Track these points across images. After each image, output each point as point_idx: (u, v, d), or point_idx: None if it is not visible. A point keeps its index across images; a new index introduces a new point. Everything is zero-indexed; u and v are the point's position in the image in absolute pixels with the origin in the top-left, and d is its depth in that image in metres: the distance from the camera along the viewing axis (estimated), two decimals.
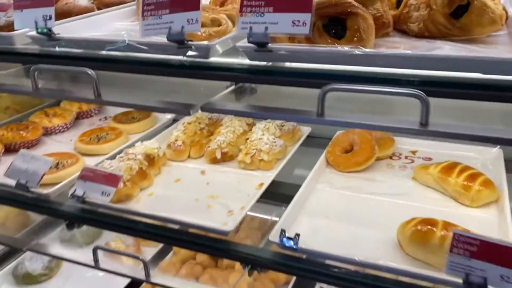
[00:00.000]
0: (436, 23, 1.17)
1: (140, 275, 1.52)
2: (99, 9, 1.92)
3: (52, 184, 1.67)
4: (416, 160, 1.77)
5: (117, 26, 1.62)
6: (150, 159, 1.72)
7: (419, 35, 1.22)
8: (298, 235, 1.25)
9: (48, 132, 2.14)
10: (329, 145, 1.79)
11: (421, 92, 0.83)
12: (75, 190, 1.53)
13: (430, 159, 1.76)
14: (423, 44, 1.15)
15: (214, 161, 1.81)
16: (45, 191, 1.61)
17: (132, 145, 1.90)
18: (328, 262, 1.26)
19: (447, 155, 1.71)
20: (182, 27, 1.11)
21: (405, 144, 1.86)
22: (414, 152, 1.82)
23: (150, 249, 2.17)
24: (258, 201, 1.58)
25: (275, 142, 1.79)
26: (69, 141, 2.08)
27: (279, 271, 1.38)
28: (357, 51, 0.94)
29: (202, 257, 2.08)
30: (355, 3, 1.06)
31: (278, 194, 1.66)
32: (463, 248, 1.08)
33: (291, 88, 1.10)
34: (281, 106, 1.04)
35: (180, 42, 1.11)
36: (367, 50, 0.96)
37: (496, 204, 1.47)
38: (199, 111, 1.08)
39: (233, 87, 1.18)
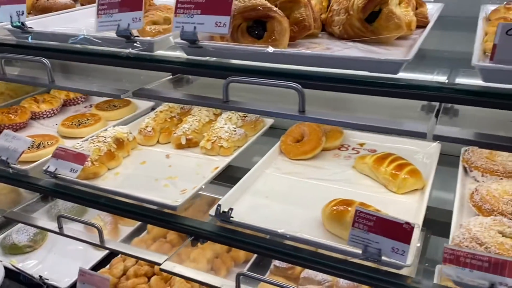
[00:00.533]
0: (352, 27, 1.33)
1: (95, 241, 1.72)
2: (82, 5, 2.12)
3: (32, 161, 1.88)
4: (362, 152, 1.93)
5: (91, 22, 1.80)
6: (119, 142, 1.91)
7: (340, 37, 1.38)
8: (231, 209, 1.43)
9: (36, 117, 2.35)
10: (283, 135, 1.96)
11: (297, 85, 1.00)
12: (48, 166, 1.73)
13: (374, 151, 1.91)
14: (337, 44, 1.32)
15: (180, 146, 1.99)
16: (24, 167, 1.82)
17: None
18: (258, 234, 1.43)
19: (390, 148, 1.86)
20: (128, 24, 1.29)
21: (355, 137, 2.02)
22: (361, 145, 1.98)
23: (127, 228, 2.38)
24: (214, 183, 1.76)
25: (235, 131, 1.97)
26: (54, 125, 2.28)
27: (217, 242, 1.55)
28: (258, 50, 1.12)
29: (172, 236, 2.28)
30: (274, 9, 1.23)
31: (232, 177, 1.83)
32: (362, 223, 1.24)
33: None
34: (207, 94, 1.22)
35: (127, 37, 1.30)
36: (263, 49, 1.13)
37: (421, 192, 1.62)
38: (131, 95, 1.26)
39: (170, 77, 1.36)
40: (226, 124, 2.01)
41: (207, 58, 1.24)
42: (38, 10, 1.90)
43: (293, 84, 1.02)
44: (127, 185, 1.73)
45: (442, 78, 1.15)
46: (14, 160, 1.78)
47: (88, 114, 2.28)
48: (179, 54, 1.29)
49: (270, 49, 1.13)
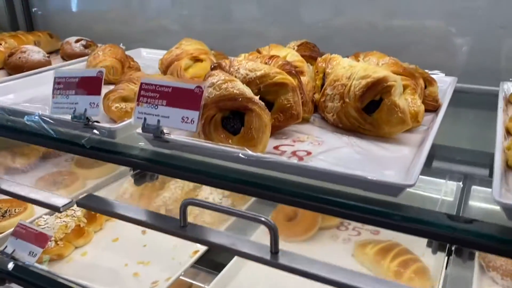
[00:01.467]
0: (348, 116, 1.13)
1: None
2: (63, 59, 1.97)
3: None
4: (363, 233, 1.71)
5: None
6: (91, 215, 1.72)
7: (335, 125, 1.18)
8: None
9: (10, 172, 2.17)
10: (274, 209, 1.75)
11: (269, 220, 0.80)
12: (5, 247, 1.53)
13: (378, 232, 1.70)
14: (330, 137, 1.12)
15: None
16: None
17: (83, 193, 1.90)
18: None
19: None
20: (85, 109, 1.11)
21: None
22: None
23: None
24: (192, 266, 1.55)
25: (221, 202, 1.77)
26: (30, 183, 2.09)
27: None
28: (228, 152, 0.92)
29: None
30: (255, 99, 1.04)
31: (214, 262, 1.63)
32: None
33: None
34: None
35: (83, 122, 1.11)
36: (235, 151, 0.93)
37: None
38: (74, 205, 1.07)
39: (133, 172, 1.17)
40: (211, 193, 1.81)
41: (176, 152, 1.05)
42: (10, 67, 1.74)
43: (263, 219, 0.82)
44: (92, 272, 1.53)
45: (450, 198, 0.95)
46: None
47: (65, 172, 2.10)
48: (145, 145, 1.10)
49: (241, 154, 0.93)
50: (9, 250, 1.52)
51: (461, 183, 1.04)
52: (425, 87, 1.32)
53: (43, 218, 1.70)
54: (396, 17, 1.69)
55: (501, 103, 1.22)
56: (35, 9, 2.49)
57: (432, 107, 1.26)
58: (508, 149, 0.96)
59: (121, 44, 2.07)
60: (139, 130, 1.06)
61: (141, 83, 1.04)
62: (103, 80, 1.09)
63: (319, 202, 0.86)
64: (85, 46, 1.95)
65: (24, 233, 1.53)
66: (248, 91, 1.07)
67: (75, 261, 1.59)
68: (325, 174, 0.89)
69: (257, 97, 1.06)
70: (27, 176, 2.17)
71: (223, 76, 1.10)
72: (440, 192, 1.01)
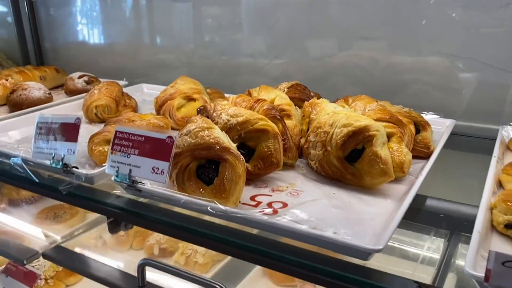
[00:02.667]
0: (330, 165, 1.09)
1: None
2: (66, 94, 2.00)
3: None
4: None
5: None
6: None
7: (318, 172, 1.14)
8: None
9: (15, 204, 2.19)
10: None
11: (222, 286, 0.76)
12: None
13: None
14: (309, 188, 1.08)
15: (153, 256, 1.77)
16: None
17: (84, 227, 1.90)
18: None
19: None
20: (63, 156, 1.10)
21: None
22: None
23: None
24: None
25: None
26: (31, 215, 2.11)
27: None
28: (198, 205, 0.90)
29: None
30: (229, 147, 1.01)
31: None
32: None
33: None
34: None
35: (63, 166, 1.11)
36: (204, 204, 0.90)
37: None
38: (40, 257, 1.06)
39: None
40: None
41: (153, 202, 1.03)
42: (11, 104, 1.78)
43: (217, 286, 0.78)
44: None
45: (435, 255, 0.89)
46: None
47: (66, 206, 2.11)
48: (121, 193, 1.08)
49: (210, 208, 0.90)
50: None
51: (446, 240, 0.98)
52: (419, 131, 1.27)
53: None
54: (397, 54, 1.65)
55: (496, 151, 1.16)
56: (51, 41, 2.56)
57: (423, 154, 1.21)
58: (493, 208, 0.90)
59: (124, 79, 2.11)
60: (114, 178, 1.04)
61: (116, 131, 1.03)
62: (80, 127, 1.09)
63: (282, 262, 0.82)
64: (87, 82, 1.98)
65: (14, 271, 1.53)
66: (225, 139, 1.04)
67: None
68: (292, 233, 0.85)
69: (234, 146, 1.04)
70: (30, 208, 2.20)
71: (201, 123, 1.08)
72: (423, 248, 0.95)
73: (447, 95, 1.56)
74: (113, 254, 1.80)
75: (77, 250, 1.67)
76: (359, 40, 1.70)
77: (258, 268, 1.65)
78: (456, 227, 1.01)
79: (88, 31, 2.44)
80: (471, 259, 0.72)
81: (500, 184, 1.04)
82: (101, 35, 2.42)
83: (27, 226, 2.00)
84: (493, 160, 1.10)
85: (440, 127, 1.38)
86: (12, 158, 1.23)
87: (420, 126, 1.27)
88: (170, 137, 0.97)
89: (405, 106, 1.36)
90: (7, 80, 1.96)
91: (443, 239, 0.99)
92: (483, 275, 0.66)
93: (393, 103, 1.37)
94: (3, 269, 1.55)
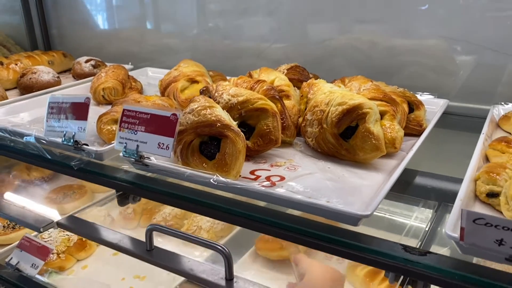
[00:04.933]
0: (326, 142, 1.15)
1: None
2: (74, 78, 2.06)
3: (3, 245, 1.78)
4: None
5: None
6: None
7: (314, 149, 1.21)
8: None
9: (26, 184, 2.27)
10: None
11: (223, 248, 0.83)
12: (11, 258, 1.62)
13: None
14: (305, 163, 1.14)
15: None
16: None
17: (92, 205, 1.98)
18: None
19: None
20: (74, 133, 1.17)
21: None
22: None
23: None
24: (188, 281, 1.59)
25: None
26: (41, 196, 2.19)
27: None
28: (201, 177, 0.97)
29: None
30: (230, 125, 1.07)
31: None
32: None
33: None
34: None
35: (74, 144, 1.18)
36: (207, 177, 0.97)
37: None
38: (56, 227, 1.13)
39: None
40: None
41: (159, 176, 1.10)
42: (21, 87, 1.84)
43: (219, 247, 0.85)
44: (90, 285, 1.59)
45: (422, 225, 0.95)
46: None
47: (75, 186, 2.18)
48: (129, 168, 1.15)
49: (212, 180, 0.97)
50: (13, 261, 1.60)
51: (434, 210, 1.04)
52: (412, 110, 1.32)
53: (48, 231, 1.78)
54: (396, 37, 1.69)
55: (485, 128, 1.21)
56: (58, 26, 2.62)
57: (416, 131, 1.27)
58: (477, 179, 0.96)
59: (130, 63, 2.17)
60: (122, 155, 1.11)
61: (123, 110, 1.10)
62: (89, 106, 1.15)
63: (280, 229, 0.89)
64: (94, 66, 2.04)
65: (28, 246, 1.61)
66: (226, 117, 1.11)
67: (76, 274, 1.65)
68: (287, 202, 0.91)
69: (234, 124, 1.10)
70: (41, 189, 2.28)
71: (204, 102, 1.14)
72: (411, 218, 1.01)
73: (443, 76, 1.61)
74: (121, 232, 1.87)
75: None
76: (358, 24, 1.75)
77: (250, 251, 1.71)
78: (444, 198, 1.07)
79: (94, 17, 2.49)
80: (451, 222, 0.78)
81: (487, 159, 1.10)
82: (107, 20, 2.47)
83: (37, 206, 2.08)
84: (481, 137, 1.15)
85: (434, 107, 1.43)
86: (25, 137, 1.30)
87: (414, 105, 1.33)
88: (174, 114, 1.04)
89: (401, 87, 1.41)
90: (16, 64, 2.02)
91: (431, 210, 1.05)
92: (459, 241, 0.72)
93: (390, 84, 1.42)
94: (18, 244, 1.64)
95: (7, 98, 1.73)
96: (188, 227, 1.78)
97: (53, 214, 1.62)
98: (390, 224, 1.14)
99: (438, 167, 1.23)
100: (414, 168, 1.17)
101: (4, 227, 1.82)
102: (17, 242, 1.76)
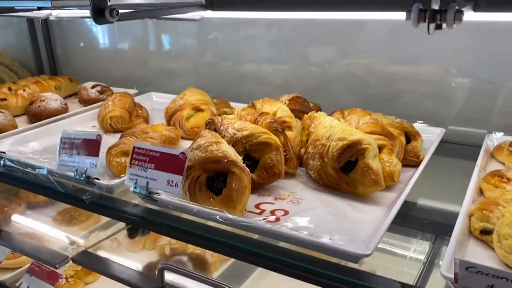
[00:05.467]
0: (327, 175, 1.20)
1: None
2: (80, 103, 2.12)
3: (13, 268, 1.83)
4: None
5: (78, 129, 1.77)
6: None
7: (316, 181, 1.26)
8: None
9: (32, 206, 2.32)
10: None
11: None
12: (21, 283, 1.66)
13: None
14: (309, 197, 1.19)
15: (164, 256, 1.89)
16: (1, 277, 1.76)
17: (99, 228, 2.03)
18: None
19: None
20: (86, 169, 1.22)
21: None
22: None
23: None
24: None
25: None
26: (49, 217, 2.24)
27: None
28: (208, 213, 1.02)
29: None
30: (236, 161, 1.12)
31: None
32: None
33: None
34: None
35: (86, 178, 1.23)
36: (214, 213, 1.03)
37: None
38: (70, 262, 1.18)
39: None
40: None
41: (168, 210, 1.15)
42: (30, 115, 1.90)
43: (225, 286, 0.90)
44: None
45: (421, 256, 1.00)
46: None
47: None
48: (139, 202, 1.20)
49: (219, 216, 1.02)
50: (23, 286, 1.64)
51: (432, 242, 1.09)
52: (409, 141, 1.38)
53: None
54: (393, 63, 1.74)
55: (479, 160, 1.26)
56: (64, 49, 2.68)
57: (413, 162, 1.32)
58: (471, 215, 1.01)
59: (135, 87, 2.22)
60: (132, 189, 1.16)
61: (133, 147, 1.15)
62: (100, 143, 1.20)
63: (281, 264, 0.94)
64: (100, 92, 2.10)
65: (38, 271, 1.65)
66: (232, 153, 1.16)
67: None
68: (291, 239, 0.96)
69: (240, 159, 1.15)
70: (47, 210, 2.32)
71: (210, 138, 1.19)
72: (410, 250, 1.06)
73: (439, 103, 1.66)
74: (127, 255, 1.92)
75: (97, 253, 1.80)
76: (356, 51, 1.81)
77: (259, 269, 1.76)
78: (441, 231, 1.12)
79: (99, 40, 2.55)
80: (447, 262, 0.83)
81: (481, 192, 1.15)
82: (111, 43, 2.53)
83: (45, 228, 2.12)
84: (476, 169, 1.20)
85: (430, 135, 1.48)
86: (37, 169, 1.35)
87: (411, 136, 1.38)
88: (183, 153, 1.09)
89: (399, 115, 1.47)
90: (24, 90, 2.08)
91: (429, 242, 1.10)
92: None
93: (388, 112, 1.48)
94: (27, 269, 1.68)
95: (17, 127, 1.78)
96: (194, 249, 1.82)
97: (61, 242, 1.66)
98: (390, 256, 1.19)
99: (435, 196, 1.28)
100: (413, 197, 1.22)
101: (12, 251, 1.86)
102: (27, 265, 1.81)
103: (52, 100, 1.90)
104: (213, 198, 1.11)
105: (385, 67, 1.76)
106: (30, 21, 2.58)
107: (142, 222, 1.16)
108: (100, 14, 1.01)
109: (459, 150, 1.53)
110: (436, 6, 0.67)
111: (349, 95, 1.81)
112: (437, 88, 1.66)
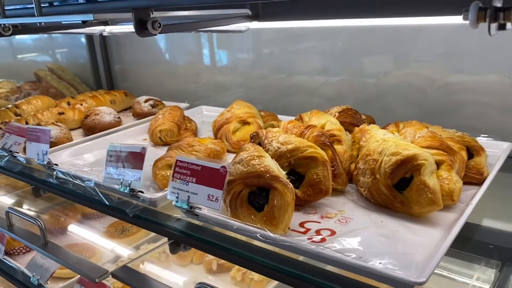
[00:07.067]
0: (379, 193, 1.12)
1: None
2: (134, 116, 2.16)
3: (66, 278, 1.87)
4: None
5: (130, 142, 1.80)
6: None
7: (367, 199, 1.17)
8: None
9: (86, 217, 2.39)
10: None
11: None
12: None
13: None
14: (358, 215, 1.11)
15: (210, 271, 1.86)
16: (54, 286, 1.81)
17: (149, 241, 2.04)
18: None
19: None
20: (130, 182, 1.22)
21: None
22: None
23: None
24: None
25: None
26: (101, 228, 2.29)
27: None
28: (248, 231, 0.98)
29: None
30: (279, 176, 1.07)
31: None
32: None
33: None
34: None
35: (130, 191, 1.22)
36: (254, 231, 0.98)
37: None
38: (109, 276, 1.16)
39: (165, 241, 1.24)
40: None
41: (209, 226, 1.11)
42: (85, 128, 1.95)
43: None
44: None
45: (485, 286, 0.89)
46: (44, 280, 1.78)
47: None
48: (181, 216, 1.18)
49: (259, 235, 0.97)
50: None
51: (498, 270, 0.97)
52: (472, 156, 1.26)
53: (105, 265, 1.84)
54: (453, 72, 1.62)
55: None
56: (121, 65, 2.77)
57: (476, 180, 1.20)
58: None
59: (186, 101, 2.24)
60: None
61: (176, 160, 1.13)
62: (145, 156, 1.20)
63: None
64: (153, 106, 2.13)
65: (87, 282, 1.67)
66: (275, 167, 1.11)
67: None
68: (337, 262, 0.89)
69: (283, 174, 1.09)
70: (100, 221, 2.38)
71: (253, 152, 1.15)
72: (472, 278, 0.95)
73: (505, 115, 1.52)
74: (175, 268, 1.91)
75: (143, 265, 1.80)
76: (413, 60, 1.70)
77: None
78: (508, 258, 0.99)
79: (154, 55, 2.61)
80: None
81: None
82: (165, 58, 2.58)
83: (98, 239, 2.17)
84: None
85: (497, 150, 1.35)
86: (86, 182, 1.37)
87: (474, 151, 1.26)
88: (223, 167, 1.05)
89: (460, 129, 1.35)
90: (81, 104, 2.16)
91: (494, 270, 0.98)
92: None
93: (448, 125, 1.36)
94: (78, 280, 1.71)
95: (72, 139, 1.83)
96: (240, 267, 1.77)
97: (110, 254, 1.68)
98: (450, 284, 1.07)
99: (502, 218, 1.15)
100: (476, 219, 1.11)
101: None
102: (78, 276, 1.85)
103: (106, 114, 1.95)
104: (254, 214, 1.06)
105: (445, 77, 1.64)
106: (89, 38, 2.70)
107: (183, 237, 1.13)
108: (142, 26, 1.00)
109: None
110: (498, 4, 0.59)
111: (405, 107, 1.70)
112: (503, 98, 1.52)
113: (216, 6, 1.11)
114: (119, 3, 0.98)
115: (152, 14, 1.02)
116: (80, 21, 1.11)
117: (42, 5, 1.19)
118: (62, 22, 1.37)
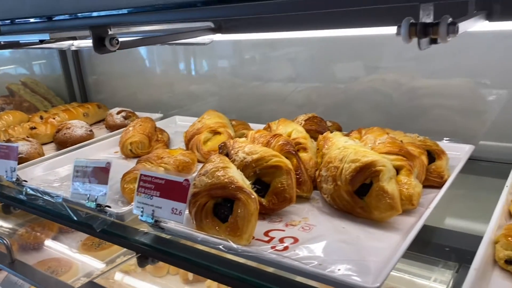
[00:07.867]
0: (341, 199, 1.14)
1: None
2: (107, 128, 2.15)
3: None
4: None
5: (101, 156, 1.80)
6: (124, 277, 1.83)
7: (331, 206, 1.19)
8: None
9: (63, 231, 2.37)
10: None
11: None
12: None
13: None
14: (320, 222, 1.13)
15: (187, 281, 1.86)
16: None
17: (125, 253, 2.03)
18: None
19: None
20: (96, 197, 1.22)
21: None
22: None
23: None
24: None
25: None
26: (78, 241, 2.27)
27: None
28: (213, 242, 0.99)
29: None
30: (243, 186, 1.08)
31: None
32: None
33: None
34: None
35: (97, 206, 1.23)
36: (218, 242, 0.99)
37: None
38: None
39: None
40: None
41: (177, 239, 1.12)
42: (57, 142, 1.95)
43: None
44: None
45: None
46: None
47: None
48: (148, 230, 1.18)
49: (223, 245, 0.98)
50: None
51: (455, 271, 1.00)
52: (434, 160, 1.29)
53: (81, 280, 1.83)
54: (418, 77, 1.66)
55: (509, 180, 1.16)
56: (94, 77, 2.76)
57: (437, 183, 1.23)
58: (496, 242, 0.92)
59: (159, 111, 2.24)
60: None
61: (140, 175, 1.14)
62: (109, 171, 1.20)
63: None
64: (125, 117, 2.13)
65: None
66: (240, 178, 1.12)
67: None
68: (297, 271, 0.90)
69: (247, 184, 1.11)
70: (75, 236, 2.36)
71: (218, 163, 1.16)
72: (429, 280, 0.98)
73: (469, 118, 1.56)
74: (152, 279, 1.91)
75: (119, 278, 1.80)
76: (379, 67, 1.74)
77: None
78: (465, 259, 1.02)
79: (126, 66, 2.61)
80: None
81: (510, 215, 1.05)
82: (138, 69, 2.58)
83: (74, 253, 2.15)
84: (505, 190, 1.10)
85: (458, 153, 1.39)
86: (55, 197, 1.37)
87: (435, 155, 1.30)
88: (186, 180, 1.06)
89: (426, 133, 1.38)
90: (54, 118, 2.15)
91: (451, 271, 1.01)
92: None
93: (414, 129, 1.39)
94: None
95: (43, 154, 1.82)
96: None
97: (88, 266, 1.66)
98: (409, 286, 1.10)
99: (461, 220, 1.19)
100: (436, 221, 1.13)
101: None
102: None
103: (78, 127, 1.94)
104: (219, 225, 1.07)
105: (411, 81, 1.67)
106: (62, 51, 2.68)
107: (150, 251, 1.14)
108: (101, 43, 1.01)
109: (490, 168, 1.42)
110: (428, 19, 0.62)
111: (372, 112, 1.74)
112: (466, 102, 1.56)
113: (177, 21, 1.12)
114: (77, 21, 0.99)
115: (111, 31, 1.03)
116: (38, 40, 1.12)
117: (3, 22, 1.19)
118: (20, 41, 1.37)
